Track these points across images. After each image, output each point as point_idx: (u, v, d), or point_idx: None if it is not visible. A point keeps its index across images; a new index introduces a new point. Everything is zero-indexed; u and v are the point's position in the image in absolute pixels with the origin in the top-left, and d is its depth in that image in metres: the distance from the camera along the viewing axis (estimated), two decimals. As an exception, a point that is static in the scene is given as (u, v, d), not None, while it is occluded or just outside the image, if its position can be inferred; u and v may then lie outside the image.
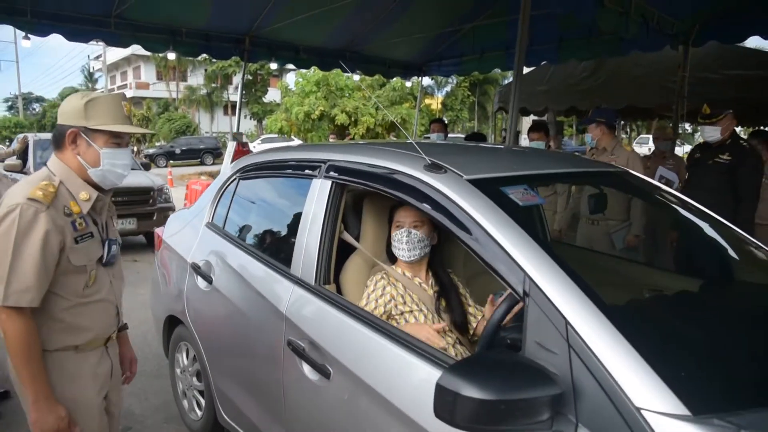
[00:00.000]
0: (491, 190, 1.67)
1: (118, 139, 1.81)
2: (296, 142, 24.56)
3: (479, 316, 2.25)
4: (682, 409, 1.11)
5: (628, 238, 4.27)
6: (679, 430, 1.08)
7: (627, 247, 4.27)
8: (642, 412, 1.12)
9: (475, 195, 1.63)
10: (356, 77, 18.13)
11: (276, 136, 27.35)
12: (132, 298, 5.41)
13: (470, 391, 1.14)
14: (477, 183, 1.70)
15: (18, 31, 6.66)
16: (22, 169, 7.64)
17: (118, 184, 1.87)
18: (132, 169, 8.35)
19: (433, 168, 1.79)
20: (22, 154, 8.07)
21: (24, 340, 1.67)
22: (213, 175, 17.05)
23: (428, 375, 1.50)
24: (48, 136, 9.00)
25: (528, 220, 2.21)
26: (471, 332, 2.21)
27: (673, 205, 2.29)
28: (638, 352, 1.18)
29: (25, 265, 1.63)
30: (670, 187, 4.70)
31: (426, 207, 1.73)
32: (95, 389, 1.88)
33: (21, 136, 8.97)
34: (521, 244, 1.43)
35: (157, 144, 33.22)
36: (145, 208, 7.68)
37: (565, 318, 1.27)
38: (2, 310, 1.65)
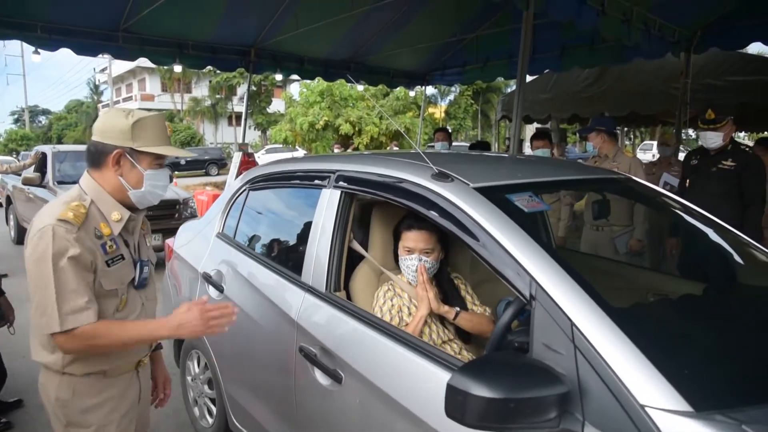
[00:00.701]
0: (497, 197, 1.72)
1: (160, 161, 1.79)
2: (300, 152, 24.70)
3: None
4: (685, 406, 1.15)
5: (631, 242, 4.31)
6: (682, 426, 1.12)
7: (630, 252, 4.31)
8: (646, 409, 1.16)
9: (482, 202, 1.67)
10: (360, 87, 18.25)
11: (280, 146, 27.51)
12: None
13: (480, 390, 1.18)
14: (483, 191, 1.75)
15: (26, 45, 6.78)
16: (41, 183, 7.56)
17: (154, 204, 1.83)
18: None
19: (441, 177, 1.84)
20: (41, 167, 7.95)
21: (102, 342, 1.64)
22: (218, 186, 17.10)
23: (439, 378, 1.55)
24: (67, 148, 8.79)
25: (533, 227, 2.25)
26: (474, 336, 2.25)
27: (676, 210, 2.33)
28: (642, 351, 1.23)
29: (71, 284, 1.57)
30: (672, 193, 4.73)
31: (434, 215, 1.78)
32: (120, 413, 1.83)
33: (34, 151, 8.90)
34: (527, 249, 1.48)
35: (162, 155, 33.35)
36: (170, 223, 6.97)
37: (570, 320, 1.31)
38: (60, 337, 1.58)
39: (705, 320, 1.62)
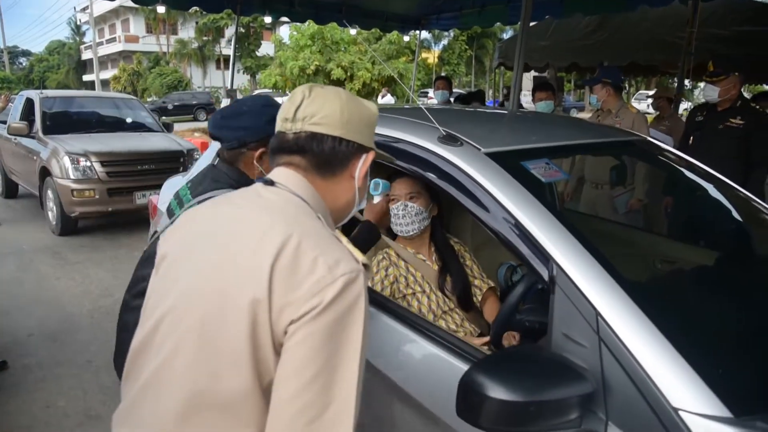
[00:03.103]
0: (511, 164, 1.56)
1: None
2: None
3: (485, 288, 2.19)
4: (723, 411, 1.04)
5: (632, 201, 4.18)
6: (720, 433, 1.01)
7: (629, 211, 4.18)
8: (680, 413, 1.05)
9: (495, 171, 1.52)
10: (353, 31, 17.66)
11: (270, 91, 26.86)
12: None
13: (497, 392, 1.06)
14: (496, 157, 1.58)
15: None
16: (29, 133, 6.90)
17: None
18: (153, 130, 7.78)
19: (448, 140, 1.67)
20: (27, 115, 7.29)
21: None
22: (206, 131, 16.74)
23: (446, 364, 1.44)
24: (56, 93, 8.14)
25: (550, 198, 2.11)
26: (476, 306, 2.16)
27: (689, 174, 2.19)
28: (676, 348, 1.11)
29: (360, 376, 0.97)
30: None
31: (441, 182, 1.62)
32: None
33: (3, 94, 8.24)
34: (547, 227, 1.33)
35: (149, 99, 32.67)
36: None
37: (595, 309, 1.18)
38: None
39: (745, 313, 1.47)
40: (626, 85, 31.67)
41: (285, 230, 0.98)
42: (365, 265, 1.00)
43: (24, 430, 2.83)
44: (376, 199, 1.90)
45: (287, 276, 0.94)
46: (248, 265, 0.96)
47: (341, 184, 1.16)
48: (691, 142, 4.53)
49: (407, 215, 2.08)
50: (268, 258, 0.94)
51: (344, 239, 1.05)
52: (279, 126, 1.16)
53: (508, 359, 1.22)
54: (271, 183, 1.11)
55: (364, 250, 1.79)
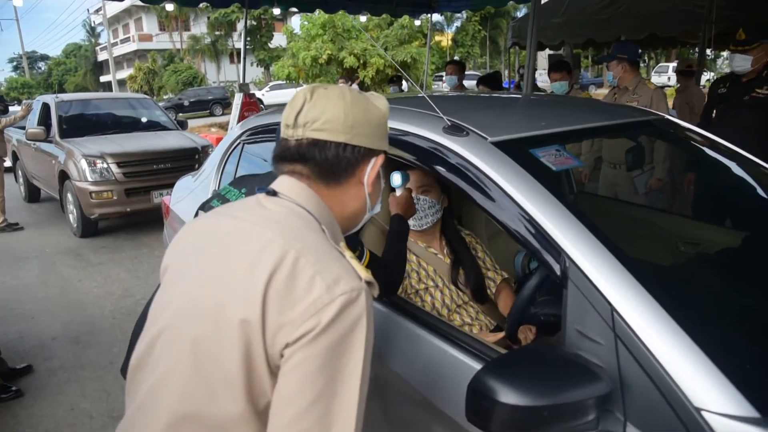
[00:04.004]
0: (520, 153, 1.50)
1: None
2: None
3: (499, 280, 2.14)
4: (749, 411, 0.97)
5: (651, 181, 4.06)
6: (746, 434, 0.95)
7: (649, 191, 4.07)
8: (702, 413, 0.99)
9: (503, 161, 1.45)
10: (363, 18, 17.50)
11: (284, 82, 26.82)
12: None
13: (508, 397, 1.01)
14: (503, 146, 1.52)
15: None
16: (47, 138, 6.99)
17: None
18: (167, 128, 7.69)
19: (454, 130, 1.61)
20: (44, 119, 7.35)
21: None
22: (223, 126, 16.84)
23: (456, 361, 1.40)
24: (70, 97, 8.13)
25: (561, 185, 2.04)
26: (491, 298, 2.11)
27: (715, 153, 2.09)
28: (696, 343, 1.04)
29: (364, 397, 0.93)
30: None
31: (450, 175, 1.56)
32: None
33: (25, 102, 8.30)
34: (557, 218, 1.27)
35: (165, 97, 32.93)
36: None
37: (610, 304, 1.12)
38: None
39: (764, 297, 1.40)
40: (646, 58, 31.00)
41: (282, 246, 0.93)
42: (369, 282, 0.94)
43: (50, 433, 2.87)
44: (398, 192, 1.86)
45: (282, 296, 0.89)
46: (242, 284, 0.92)
47: (349, 192, 1.11)
48: (714, 115, 4.36)
49: (420, 209, 2.04)
50: (263, 276, 0.90)
51: (348, 254, 0.99)
52: (282, 132, 1.11)
53: (519, 361, 1.16)
54: (273, 193, 1.07)
55: (400, 246, 1.75)
